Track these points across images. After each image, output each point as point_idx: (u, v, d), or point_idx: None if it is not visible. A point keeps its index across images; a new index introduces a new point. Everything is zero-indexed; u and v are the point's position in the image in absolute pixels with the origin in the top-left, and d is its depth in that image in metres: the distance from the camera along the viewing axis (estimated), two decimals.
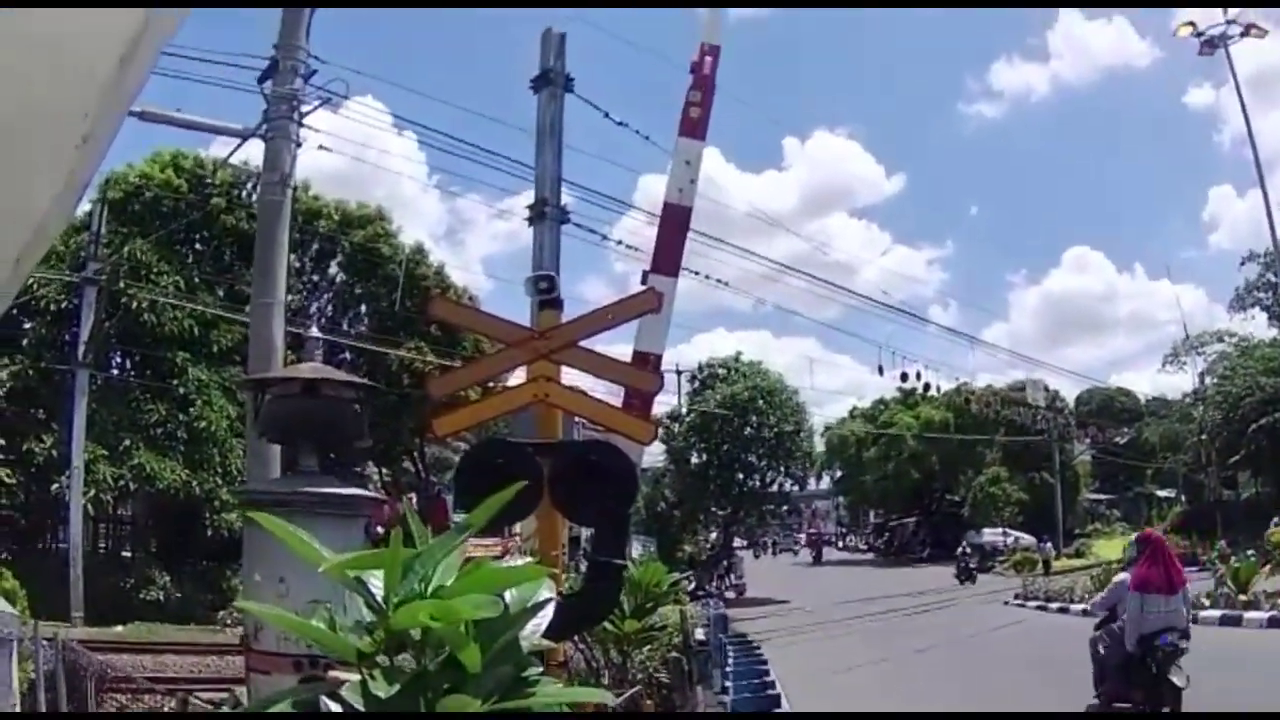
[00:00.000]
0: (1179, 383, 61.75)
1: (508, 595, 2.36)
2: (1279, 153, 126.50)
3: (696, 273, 20.40)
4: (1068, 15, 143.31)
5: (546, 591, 2.43)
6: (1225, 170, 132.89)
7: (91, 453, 28.81)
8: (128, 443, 30.65)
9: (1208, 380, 55.76)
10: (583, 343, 8.85)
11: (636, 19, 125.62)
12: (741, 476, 54.64)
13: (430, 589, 2.24)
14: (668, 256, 15.42)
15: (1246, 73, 49.05)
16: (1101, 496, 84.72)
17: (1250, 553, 32.47)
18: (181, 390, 32.20)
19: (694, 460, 54.80)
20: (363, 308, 41.03)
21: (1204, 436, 56.40)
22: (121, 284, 30.67)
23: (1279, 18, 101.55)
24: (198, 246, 36.39)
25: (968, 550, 56.10)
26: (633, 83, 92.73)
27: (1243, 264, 55.67)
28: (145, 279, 31.77)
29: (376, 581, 2.25)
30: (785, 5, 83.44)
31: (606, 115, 19.20)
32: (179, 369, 32.27)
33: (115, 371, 34.16)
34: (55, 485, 29.03)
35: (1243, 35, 45.04)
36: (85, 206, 33.02)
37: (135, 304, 31.10)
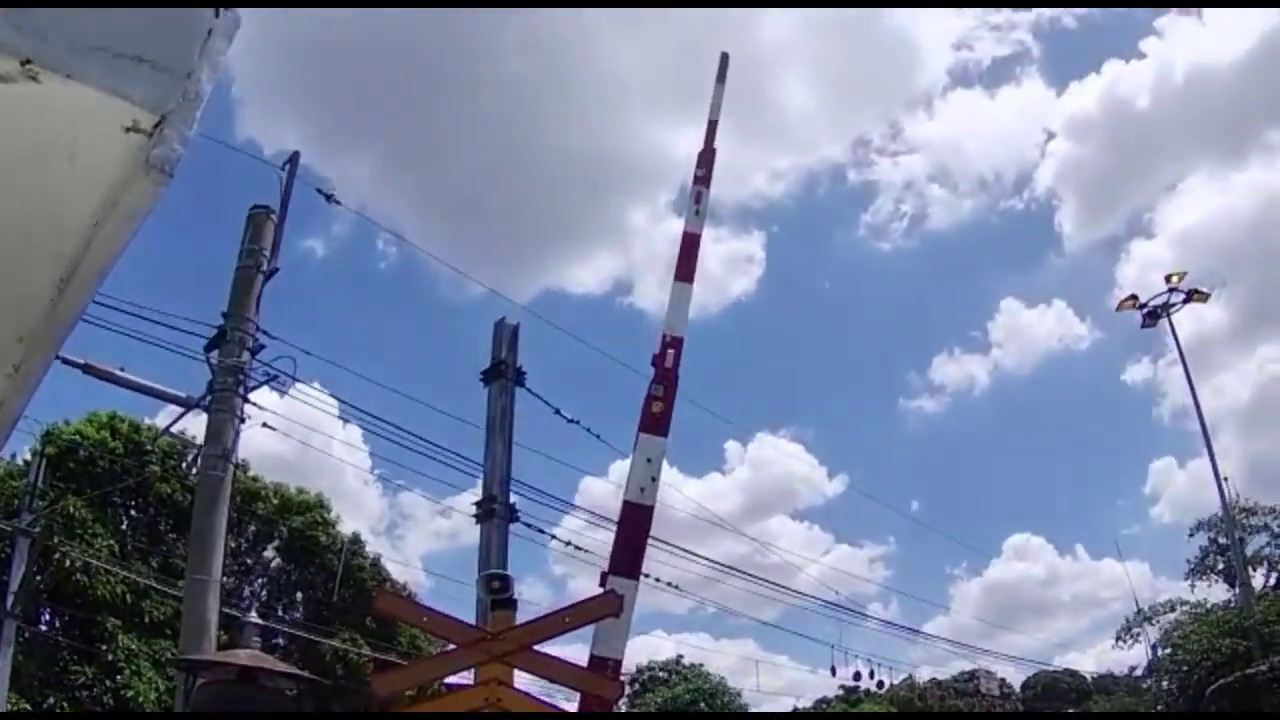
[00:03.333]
0: (1125, 657, 61.03)
1: None
2: (1219, 416, 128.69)
3: (645, 575, 20.03)
4: (1008, 304, 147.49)
5: None
6: (1166, 443, 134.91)
7: (14, 704, 27.69)
8: (52, 700, 29.55)
9: (1160, 652, 55.22)
10: (539, 646, 8.54)
11: (592, 310, 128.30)
12: None
13: None
14: (627, 558, 15.01)
15: (1185, 339, 50.96)
16: None
17: None
18: (110, 657, 31.13)
19: None
20: (298, 594, 40.50)
21: (1159, 708, 55.65)
22: (55, 539, 29.95)
23: (1216, 278, 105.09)
24: (133, 512, 35.89)
25: None
26: (574, 369, 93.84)
27: (1192, 534, 55.99)
28: (80, 538, 31.11)
29: None
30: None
31: (557, 411, 19.08)
32: (109, 635, 31.27)
33: (44, 628, 33.07)
34: None
35: (1185, 303, 46.32)
36: (24, 454, 32.83)
37: (69, 562, 30.34)
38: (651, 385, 15.81)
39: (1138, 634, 57.35)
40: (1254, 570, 51.74)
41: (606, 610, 9.60)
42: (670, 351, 16.01)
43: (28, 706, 28.63)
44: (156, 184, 2.87)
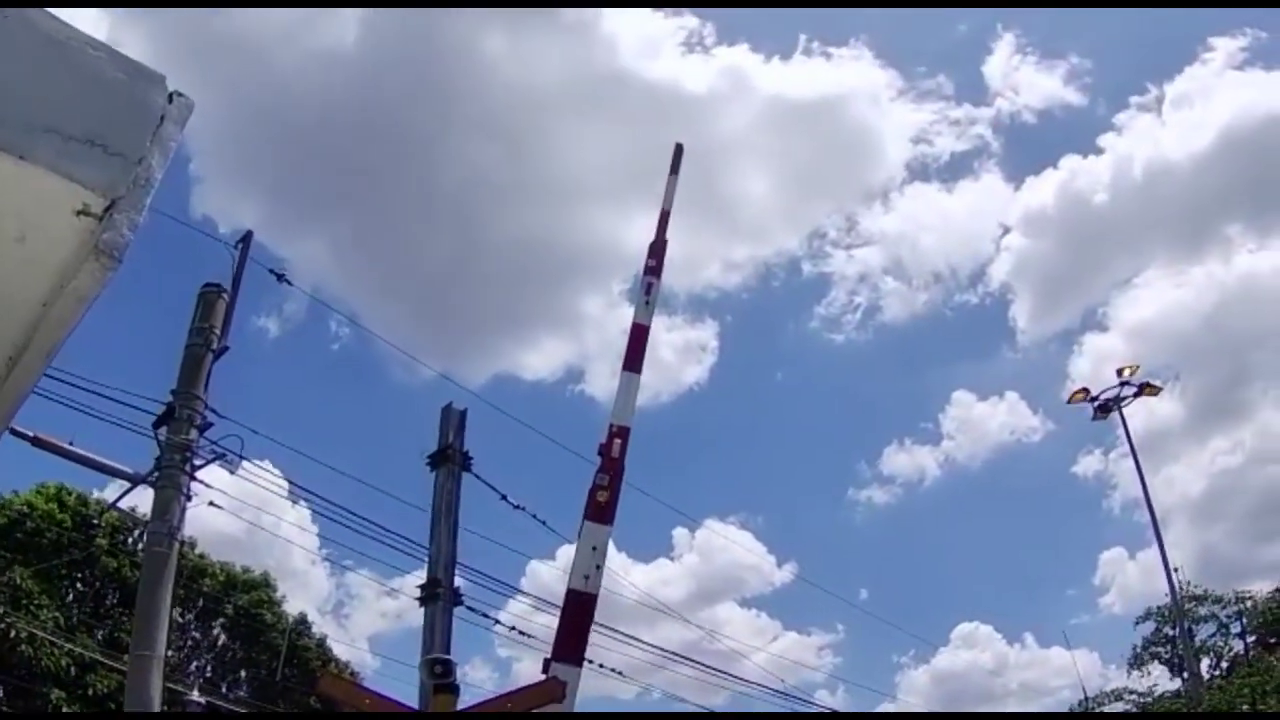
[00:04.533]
0: None
1: None
2: (1171, 507, 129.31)
3: (589, 660, 19.98)
4: (960, 396, 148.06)
5: None
6: (1116, 534, 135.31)
7: None
8: None
9: None
10: None
11: (543, 396, 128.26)
12: None
13: None
14: (570, 644, 15.05)
15: (1136, 431, 51.43)
16: None
17: None
18: None
19: None
20: (243, 672, 40.17)
21: None
22: (1, 610, 29.66)
23: (1170, 371, 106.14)
24: (79, 585, 35.60)
25: None
26: (524, 454, 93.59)
27: (1138, 623, 56.14)
28: (25, 609, 30.78)
29: None
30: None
31: (504, 497, 19.04)
32: (53, 706, 30.85)
33: None
34: None
35: (1136, 395, 46.75)
36: None
37: (14, 633, 29.98)
38: (597, 475, 15.92)
39: None
40: (1200, 660, 52.02)
41: (549, 697, 9.67)
42: (617, 441, 16.14)
43: None
44: (105, 269, 2.93)
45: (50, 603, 32.39)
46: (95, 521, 33.42)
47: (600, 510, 15.79)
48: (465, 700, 9.20)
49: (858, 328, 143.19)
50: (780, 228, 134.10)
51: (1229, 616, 53.29)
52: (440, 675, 9.53)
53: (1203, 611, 52.69)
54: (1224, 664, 55.02)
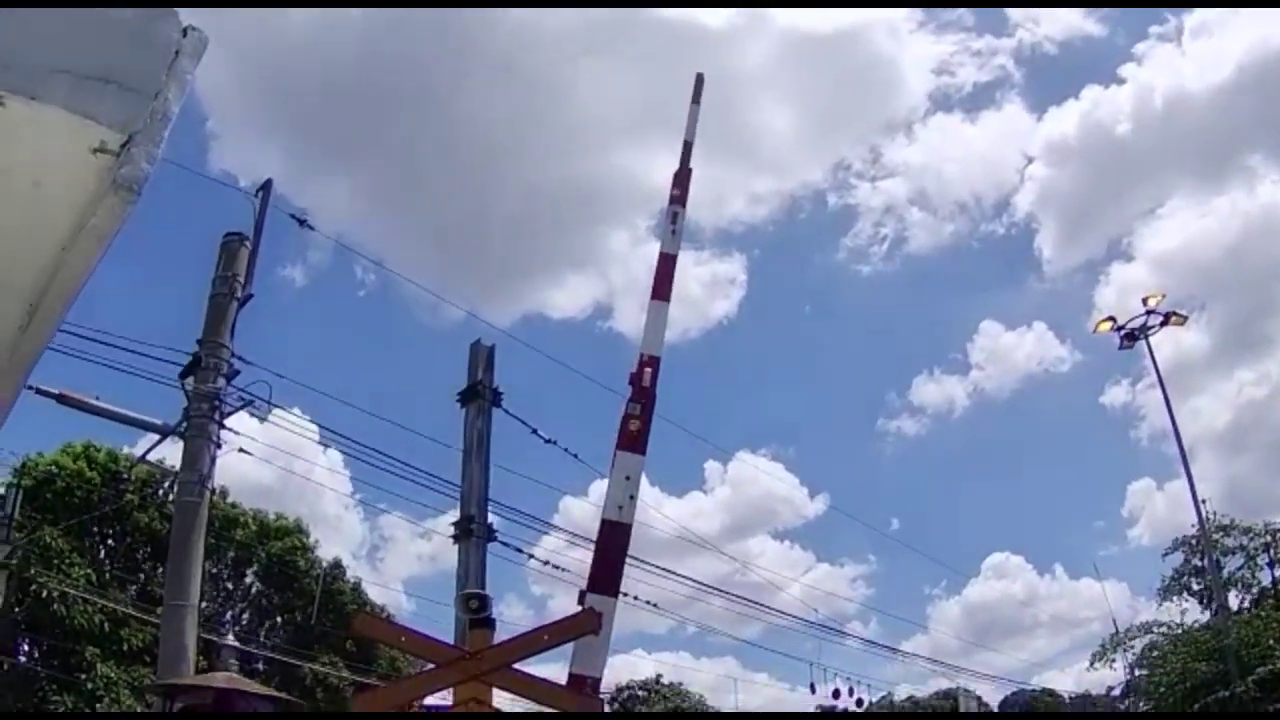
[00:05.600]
0: (1102, 677, 60.67)
1: None
2: (1197, 438, 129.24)
3: (624, 594, 19.90)
4: (988, 326, 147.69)
5: None
6: (1144, 465, 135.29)
7: None
8: None
9: (1137, 672, 55.09)
10: (517, 664, 8.51)
11: (572, 334, 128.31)
12: None
13: None
14: (606, 575, 14.99)
15: (1163, 361, 51.35)
16: None
17: None
18: (90, 685, 30.78)
19: None
20: (278, 619, 40.28)
21: None
22: (33, 570, 29.73)
23: (1195, 302, 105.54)
24: (110, 541, 35.67)
25: None
26: (554, 392, 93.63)
27: (1166, 554, 55.92)
28: (56, 568, 30.83)
29: None
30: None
31: (534, 431, 19.08)
32: (88, 664, 30.96)
33: (22, 658, 32.77)
34: None
35: (1162, 325, 46.46)
36: None
37: (45, 592, 30.07)
38: (628, 404, 15.83)
39: (1113, 659, 57.40)
40: (1228, 591, 51.86)
41: (585, 628, 9.60)
42: (647, 370, 16.05)
43: None
44: (124, 203, 2.86)
45: (81, 561, 32.44)
46: (124, 476, 33.40)
47: (632, 440, 15.70)
48: (501, 635, 9.09)
49: (884, 259, 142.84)
50: (804, 160, 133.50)
51: (1257, 548, 53.11)
52: (476, 610, 9.44)
53: (1230, 543, 52.40)
54: (1252, 595, 54.96)
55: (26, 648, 33.35)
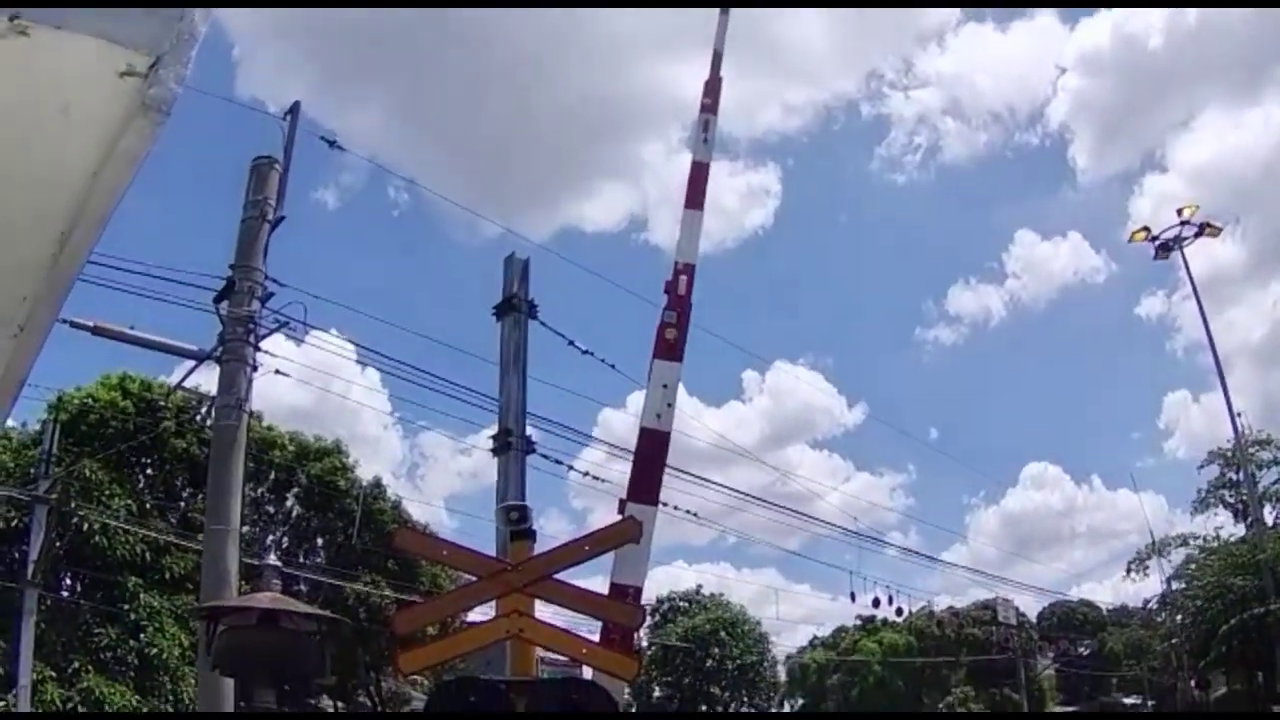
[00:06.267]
0: (1140, 589, 60.88)
1: None
2: (1233, 351, 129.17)
3: (664, 504, 19.91)
4: (1023, 235, 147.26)
5: None
6: (1180, 376, 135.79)
7: (39, 673, 27.71)
8: (76, 665, 29.52)
9: (1174, 585, 55.18)
10: (558, 575, 8.41)
11: (608, 247, 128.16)
12: (704, 708, 53.79)
13: None
14: (645, 484, 15.01)
15: (1199, 273, 51.36)
16: (1068, 709, 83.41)
17: None
18: (133, 616, 31.09)
19: (655, 694, 53.91)
20: (319, 541, 40.57)
21: (1173, 641, 55.78)
22: (72, 504, 29.92)
23: (1231, 214, 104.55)
24: (149, 471, 35.89)
25: None
26: (590, 306, 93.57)
27: (1202, 467, 55.85)
28: (96, 500, 31.04)
29: None
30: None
31: (571, 343, 19.09)
32: (130, 594, 31.24)
33: (65, 593, 33.10)
34: (1, 704, 27.79)
35: (1197, 236, 46.26)
36: (34, 424, 32.84)
37: (86, 525, 30.30)
38: (664, 312, 15.79)
39: (1148, 567, 57.43)
40: (1264, 506, 51.74)
41: (626, 537, 9.49)
42: (683, 278, 15.98)
43: (53, 674, 28.63)
44: (154, 124, 2.84)
45: (121, 491, 32.63)
46: (161, 404, 33.51)
47: (669, 348, 15.67)
48: (542, 546, 9.01)
49: (919, 168, 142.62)
50: (836, 71, 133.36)
51: None
52: (516, 521, 9.41)
53: (1266, 456, 52.26)
54: None
55: (69, 581, 33.73)
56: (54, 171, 2.78)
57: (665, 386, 15.46)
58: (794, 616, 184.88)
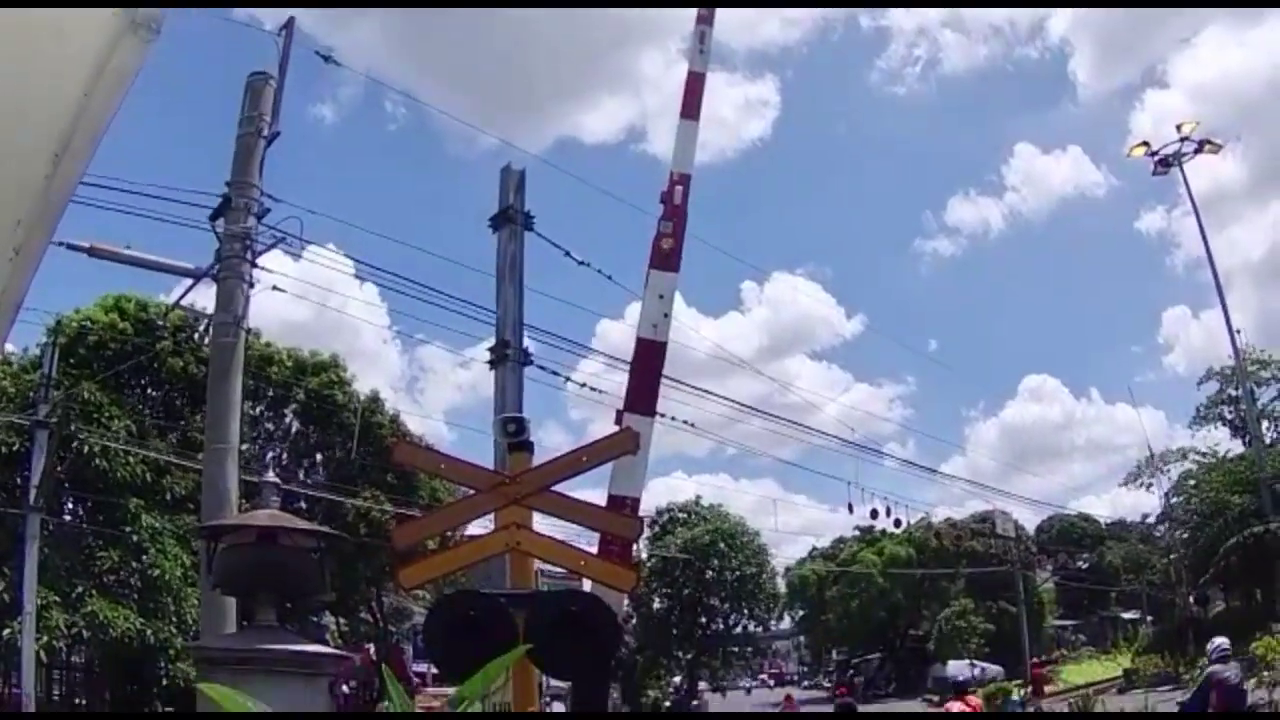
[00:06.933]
0: (1140, 503, 61.47)
1: None
2: (1233, 269, 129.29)
3: (663, 415, 19.95)
4: (1023, 149, 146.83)
5: None
6: (1179, 292, 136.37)
7: (44, 598, 27.85)
8: (80, 589, 29.73)
9: (1173, 500, 55.55)
10: (556, 487, 8.43)
11: (606, 158, 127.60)
12: (704, 620, 54.35)
13: None
14: (643, 395, 15.06)
15: (1199, 191, 51.17)
16: (1066, 622, 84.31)
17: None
18: (135, 537, 31.28)
19: (656, 605, 54.36)
20: (318, 456, 40.66)
21: (1172, 556, 56.23)
22: (72, 427, 29.96)
23: (1232, 132, 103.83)
24: (148, 391, 35.91)
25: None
26: (590, 218, 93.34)
27: (1201, 383, 56.15)
28: (96, 423, 31.07)
29: None
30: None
31: (567, 254, 19.04)
32: (132, 515, 31.41)
33: (67, 517, 33.24)
34: (6, 631, 27.98)
35: (1197, 152, 46.16)
36: (34, 349, 32.84)
37: (86, 448, 30.37)
38: (660, 222, 15.76)
39: (1149, 483, 57.74)
40: (1263, 424, 51.99)
41: (623, 448, 9.52)
42: (678, 188, 15.95)
43: (57, 599, 28.77)
44: (144, 42, 2.84)
45: (120, 413, 32.65)
46: (159, 324, 33.47)
47: (665, 257, 15.67)
48: (540, 459, 9.02)
49: (918, 80, 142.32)
50: None
51: None
52: (514, 433, 9.38)
53: (1266, 375, 52.46)
54: None
55: (71, 505, 33.85)
56: (46, 93, 2.74)
57: (661, 297, 15.45)
58: (793, 527, 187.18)
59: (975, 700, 25.00)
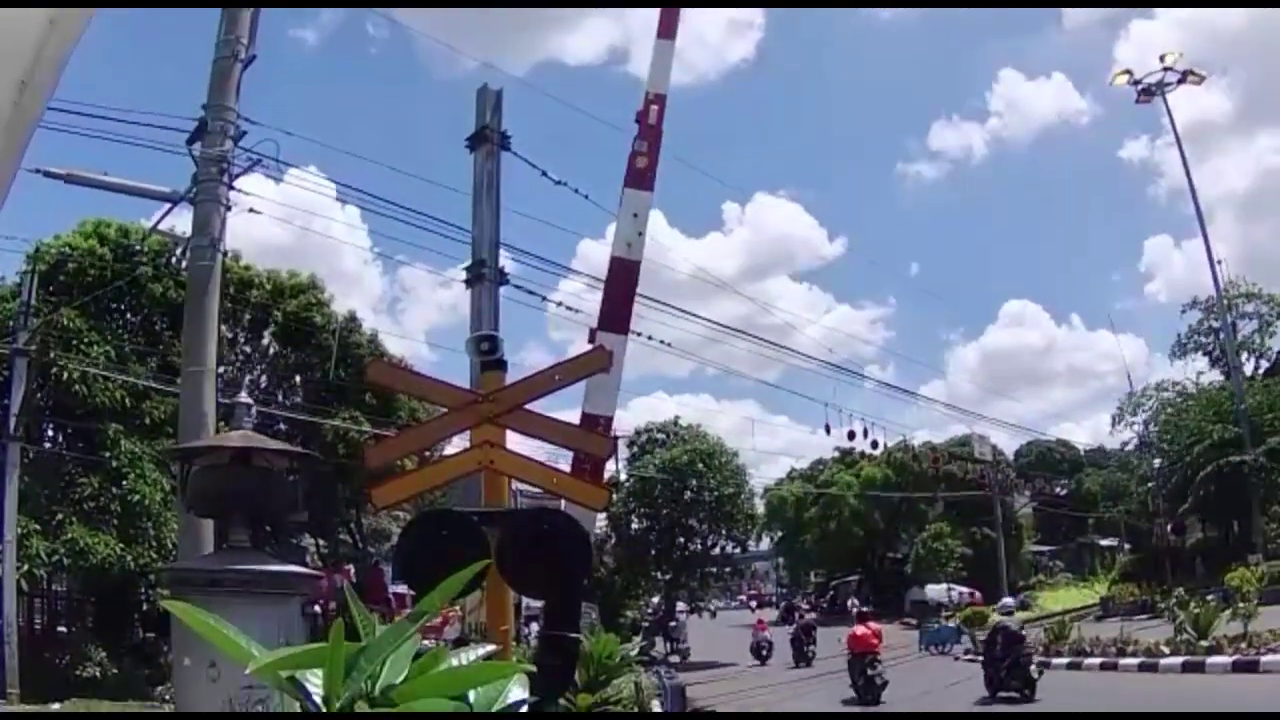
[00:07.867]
0: (1117, 430, 61.78)
1: (471, 696, 1.96)
2: (1217, 200, 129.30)
3: (638, 334, 19.97)
4: (1007, 75, 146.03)
5: (519, 690, 2.03)
6: (1161, 221, 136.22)
7: (24, 527, 27.85)
8: (60, 517, 29.58)
9: (1152, 428, 55.92)
10: (529, 405, 8.44)
11: (588, 80, 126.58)
12: (682, 540, 54.44)
13: (378, 688, 1.84)
14: (616, 313, 15.08)
15: (1183, 123, 50.92)
16: (1044, 548, 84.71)
17: (1210, 597, 31.96)
18: (114, 463, 31.10)
19: (634, 526, 54.45)
20: (297, 378, 40.49)
21: (1150, 485, 56.65)
22: (51, 355, 29.84)
23: (1217, 65, 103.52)
24: (128, 316, 35.68)
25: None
26: (571, 141, 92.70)
27: (1184, 311, 56.44)
28: (75, 349, 30.91)
29: (316, 679, 1.85)
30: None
31: (544, 174, 18.94)
32: (111, 441, 31.21)
33: (47, 444, 33.16)
34: None
35: (1180, 82, 46.09)
36: (14, 277, 32.65)
37: (65, 375, 30.22)
38: (635, 141, 15.72)
39: (1134, 421, 58.07)
40: (1242, 354, 52.28)
41: (595, 366, 9.53)
42: (654, 108, 15.88)
43: (37, 528, 28.75)
44: None
45: (100, 339, 32.43)
46: (138, 249, 33.19)
47: (640, 176, 15.66)
48: (518, 377, 9.01)
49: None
50: None
51: (1273, 315, 53.23)
52: (487, 351, 9.34)
53: (1248, 309, 52.68)
54: (1264, 363, 55.35)
55: (51, 433, 33.76)
56: (9, 20, 2.64)
57: (636, 215, 15.41)
58: (772, 448, 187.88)
59: (875, 625, 28.25)
